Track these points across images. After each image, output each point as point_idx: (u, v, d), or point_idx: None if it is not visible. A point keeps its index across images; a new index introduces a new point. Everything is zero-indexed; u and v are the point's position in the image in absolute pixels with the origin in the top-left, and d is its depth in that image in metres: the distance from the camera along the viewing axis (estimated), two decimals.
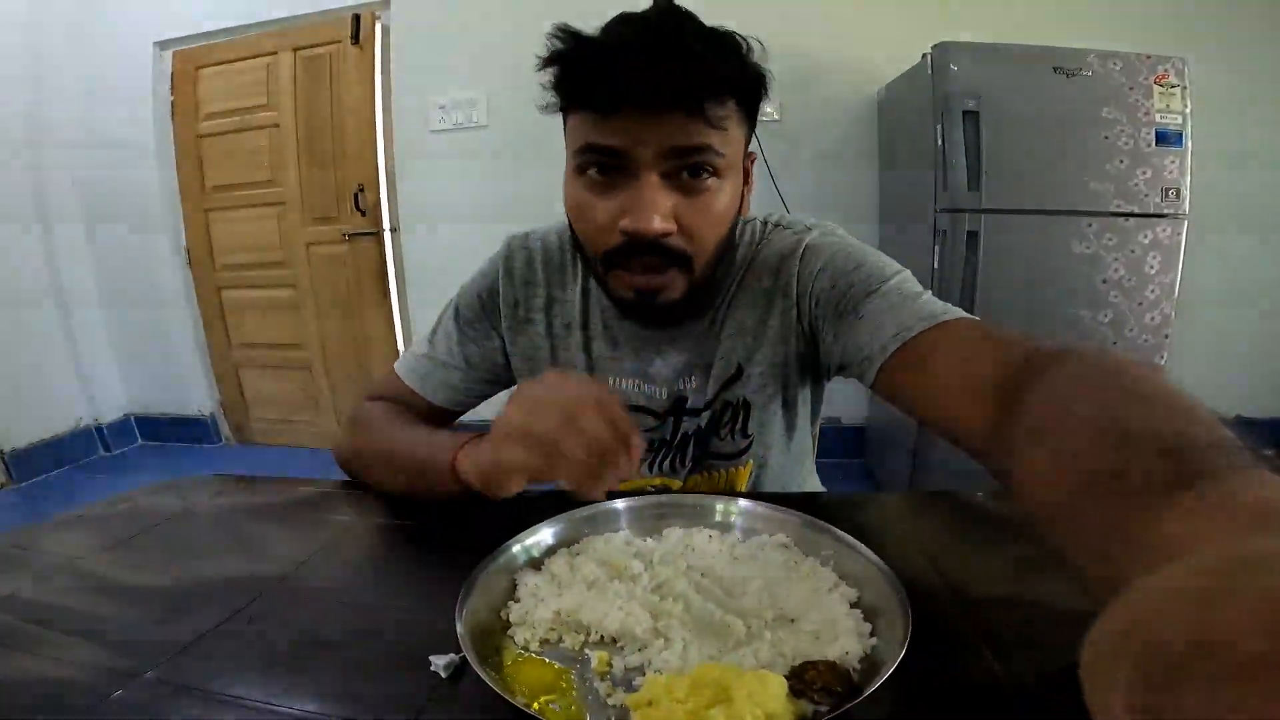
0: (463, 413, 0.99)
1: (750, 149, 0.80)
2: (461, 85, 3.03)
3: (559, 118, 0.78)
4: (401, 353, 3.20)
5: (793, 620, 0.55)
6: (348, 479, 0.90)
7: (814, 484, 1.10)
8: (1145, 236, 2.21)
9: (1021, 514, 0.45)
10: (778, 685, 0.45)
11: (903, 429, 2.59)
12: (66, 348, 3.36)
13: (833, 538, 0.64)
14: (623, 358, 0.90)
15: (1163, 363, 2.27)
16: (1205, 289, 2.65)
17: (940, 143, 2.18)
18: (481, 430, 0.72)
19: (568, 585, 0.60)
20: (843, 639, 0.52)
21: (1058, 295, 2.26)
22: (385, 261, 3.27)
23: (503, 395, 0.86)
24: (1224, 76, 2.52)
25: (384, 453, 0.84)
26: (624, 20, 0.70)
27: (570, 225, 0.80)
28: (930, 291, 0.76)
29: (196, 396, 3.64)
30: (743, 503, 0.73)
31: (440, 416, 0.96)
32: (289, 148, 3.21)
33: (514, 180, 2.97)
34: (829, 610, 0.56)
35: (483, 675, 0.46)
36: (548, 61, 0.70)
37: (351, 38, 3.05)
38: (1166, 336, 2.30)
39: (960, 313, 0.71)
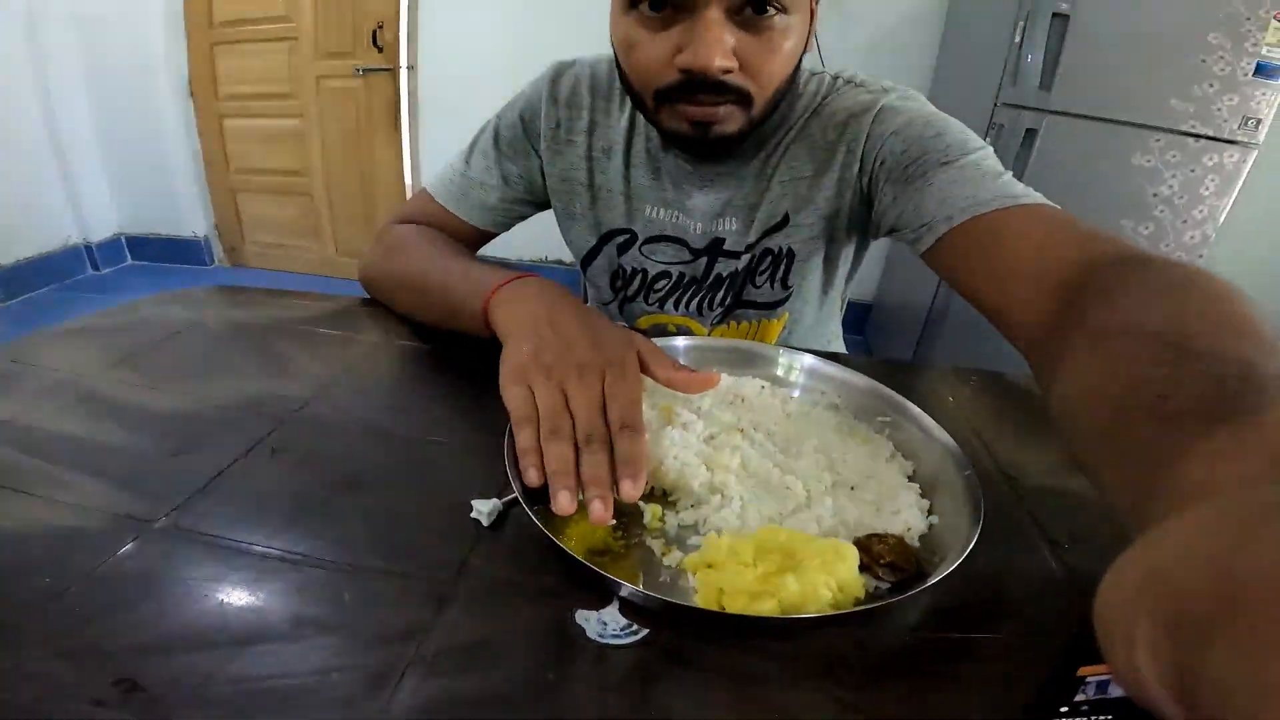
0: (497, 234, 0.96)
1: None
2: None
3: None
4: (409, 188, 3.17)
5: (852, 488, 0.52)
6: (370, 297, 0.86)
7: (839, 346, 1.08)
8: (1210, 159, 2.15)
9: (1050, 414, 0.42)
10: (852, 556, 0.42)
11: (911, 313, 2.57)
12: (57, 166, 3.22)
13: (894, 407, 0.61)
14: (663, 188, 0.86)
15: None
16: (1251, 219, 2.56)
17: (1019, 39, 2.08)
18: (517, 274, 0.67)
19: None
20: (905, 513, 0.49)
21: (1104, 201, 2.22)
22: (399, 98, 3.14)
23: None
24: None
25: (415, 282, 0.79)
26: None
27: (617, 62, 0.74)
28: (1011, 173, 0.69)
29: (190, 218, 3.54)
30: (799, 354, 0.69)
31: (474, 237, 0.93)
32: None
33: (545, 27, 2.80)
34: (888, 481, 0.53)
35: (538, 523, 0.43)
36: None
37: None
38: (1200, 257, 2.27)
39: (1042, 198, 0.64)
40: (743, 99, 0.69)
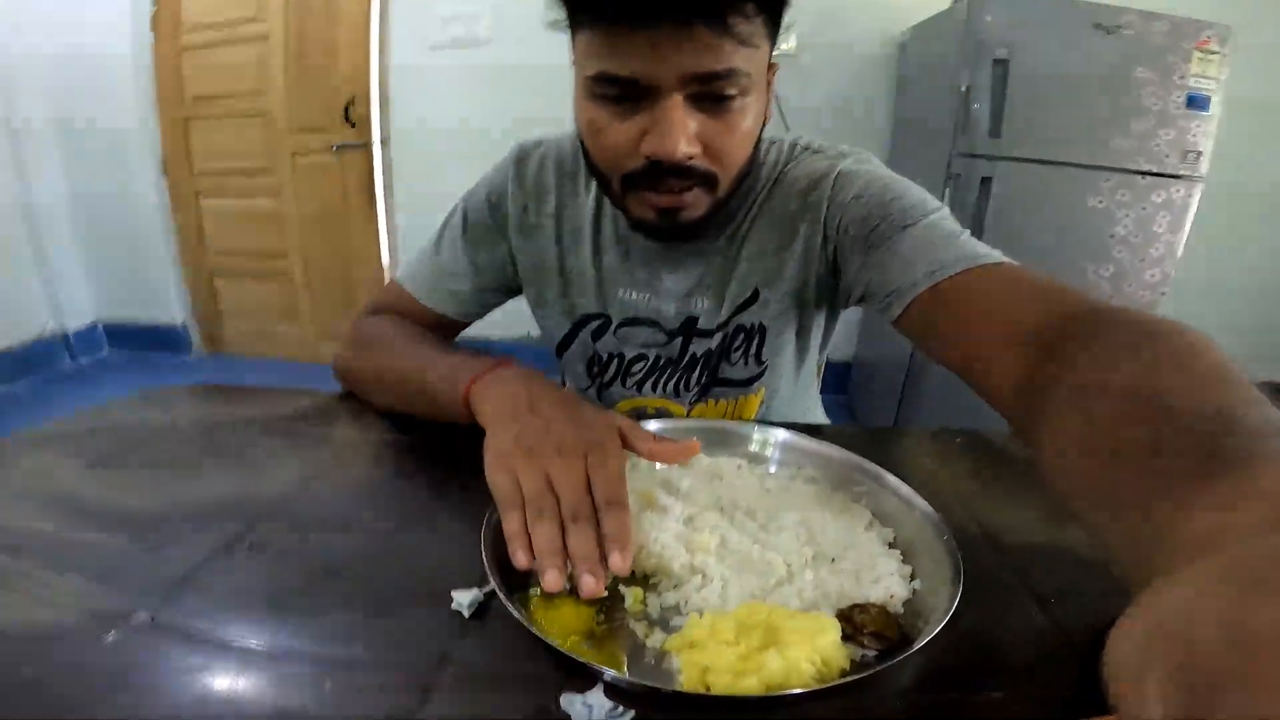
0: (469, 323, 0.95)
1: (771, 63, 0.74)
2: None
3: (567, 34, 0.71)
4: (386, 267, 3.21)
5: (832, 559, 0.53)
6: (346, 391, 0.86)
7: (819, 415, 1.08)
8: (1159, 196, 2.23)
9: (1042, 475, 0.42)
10: (833, 629, 0.42)
11: (891, 369, 2.60)
12: (32, 251, 3.22)
13: (869, 475, 0.62)
14: (634, 270, 0.87)
15: None
16: (1207, 252, 2.68)
17: (965, 88, 2.15)
18: (495, 360, 0.67)
19: None
20: (885, 581, 0.50)
21: (1064, 245, 2.28)
22: (374, 174, 3.17)
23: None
24: (1263, 47, 2.51)
25: (392, 376, 0.79)
26: None
27: (583, 145, 0.75)
28: (970, 232, 0.71)
29: (169, 304, 3.54)
30: (773, 431, 0.70)
31: (447, 327, 0.93)
32: (276, 60, 3.06)
33: (515, 99, 2.85)
34: (868, 550, 0.53)
35: (516, 614, 0.43)
36: None
37: None
38: (1163, 294, 2.34)
39: (1002, 256, 0.66)
40: (707, 181, 0.71)
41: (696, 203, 0.72)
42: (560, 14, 0.68)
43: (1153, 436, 0.33)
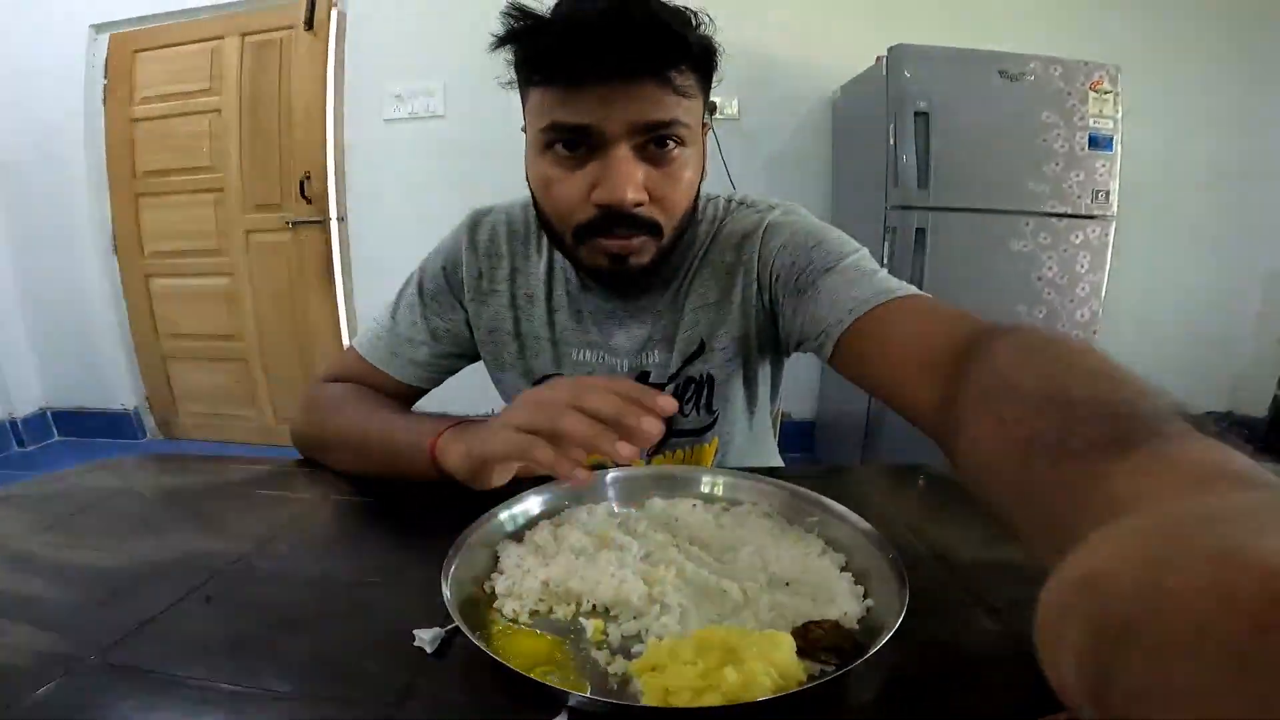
0: (428, 390, 0.96)
1: (705, 121, 0.80)
2: (419, 74, 2.97)
3: (518, 107, 0.77)
4: (345, 337, 3.16)
5: (787, 583, 0.54)
6: (304, 458, 0.86)
7: (777, 463, 1.10)
8: (1077, 236, 2.33)
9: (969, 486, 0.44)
10: (788, 644, 0.43)
11: (851, 423, 2.64)
12: None
13: (816, 505, 0.64)
14: (587, 330, 0.90)
15: None
16: (1130, 288, 2.80)
17: (892, 142, 2.25)
18: (458, 419, 0.70)
19: (553, 555, 0.57)
20: (840, 600, 0.51)
21: (997, 291, 2.36)
22: (331, 250, 3.13)
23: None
24: (1153, 84, 2.67)
25: (354, 437, 0.80)
26: None
27: (535, 202, 0.79)
28: (886, 269, 0.76)
29: (120, 390, 3.46)
30: (724, 473, 0.72)
31: (406, 394, 0.94)
32: (231, 134, 3.08)
33: (469, 172, 2.89)
34: (821, 574, 0.55)
35: (478, 643, 0.43)
36: (505, 40, 0.69)
37: (305, 23, 2.94)
38: (1095, 332, 2.42)
39: (914, 290, 0.71)
40: (653, 230, 0.75)
41: (644, 249, 0.76)
42: (512, 76, 0.73)
43: (1062, 425, 0.35)
